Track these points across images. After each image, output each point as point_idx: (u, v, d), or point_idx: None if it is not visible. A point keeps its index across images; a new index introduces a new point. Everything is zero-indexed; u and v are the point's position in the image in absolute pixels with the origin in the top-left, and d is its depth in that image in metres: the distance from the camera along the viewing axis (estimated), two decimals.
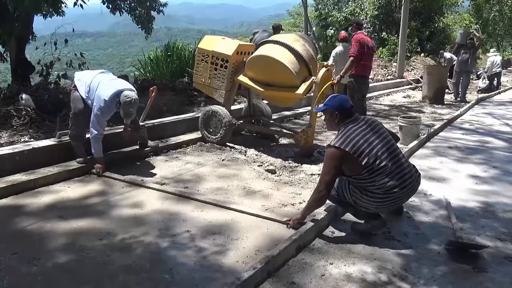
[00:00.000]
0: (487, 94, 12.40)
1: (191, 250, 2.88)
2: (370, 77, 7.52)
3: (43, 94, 6.09)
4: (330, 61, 8.10)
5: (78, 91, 4.59)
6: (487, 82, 13.50)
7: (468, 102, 10.44)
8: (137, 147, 5.11)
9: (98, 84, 4.45)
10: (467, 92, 11.31)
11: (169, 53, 9.77)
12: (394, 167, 2.97)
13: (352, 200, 3.11)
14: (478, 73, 16.71)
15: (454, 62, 14.90)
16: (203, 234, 3.11)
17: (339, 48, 8.24)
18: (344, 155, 2.95)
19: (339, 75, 6.38)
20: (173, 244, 2.96)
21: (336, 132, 3.16)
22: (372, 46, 6.64)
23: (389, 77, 14.25)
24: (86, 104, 4.54)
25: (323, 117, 7.22)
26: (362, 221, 3.23)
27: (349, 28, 7.19)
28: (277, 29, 9.09)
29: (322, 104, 3.34)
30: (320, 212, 3.30)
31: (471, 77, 11.97)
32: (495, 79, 13.60)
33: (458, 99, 10.83)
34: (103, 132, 4.45)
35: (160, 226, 3.24)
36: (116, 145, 5.00)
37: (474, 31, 11.83)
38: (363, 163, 2.93)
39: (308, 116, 6.14)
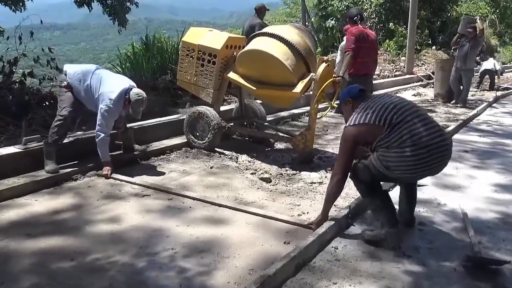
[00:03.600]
0: (506, 92, 12.51)
1: (175, 271, 2.87)
2: (376, 72, 7.20)
3: (7, 95, 6.05)
4: (338, 56, 8.31)
5: (72, 91, 4.65)
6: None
7: (467, 107, 9.76)
8: (121, 151, 5.10)
9: (100, 82, 4.59)
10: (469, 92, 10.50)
11: (149, 48, 9.75)
12: (417, 119, 3.06)
13: (383, 167, 3.07)
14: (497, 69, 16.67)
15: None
16: (189, 252, 3.11)
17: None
18: (362, 128, 3.12)
19: (340, 75, 6.08)
20: (155, 264, 2.95)
21: None
22: (373, 38, 6.47)
23: (397, 73, 14.35)
24: (79, 106, 4.69)
25: (323, 118, 7.24)
26: (373, 230, 3.32)
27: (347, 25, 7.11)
28: (259, 11, 8.86)
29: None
30: (322, 225, 3.31)
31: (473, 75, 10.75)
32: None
33: (459, 104, 9.92)
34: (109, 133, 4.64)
35: (140, 244, 3.22)
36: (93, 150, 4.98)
37: (477, 18, 10.68)
38: (381, 124, 3.06)
39: (307, 118, 6.15)
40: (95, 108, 4.65)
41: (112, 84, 4.60)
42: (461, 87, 10.12)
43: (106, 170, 4.63)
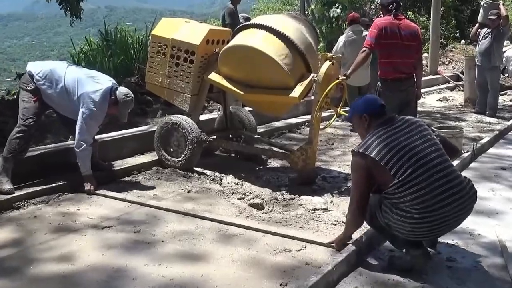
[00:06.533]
0: None
1: None
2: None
3: None
4: (335, 51, 8.25)
5: (41, 97, 4.81)
6: None
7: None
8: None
9: (77, 81, 4.80)
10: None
11: (109, 43, 9.78)
12: (434, 178, 3.18)
13: (384, 222, 3.34)
14: None
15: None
16: None
17: (346, 34, 8.42)
18: (370, 163, 3.25)
19: (344, 74, 5.62)
20: None
21: None
22: (409, 33, 5.91)
23: None
24: (41, 116, 4.98)
25: (328, 130, 7.26)
26: (401, 257, 3.46)
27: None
28: None
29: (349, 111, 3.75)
30: (328, 263, 3.32)
31: (500, 75, 10.47)
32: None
33: (488, 113, 9.71)
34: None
35: None
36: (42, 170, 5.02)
37: (500, 2, 9.93)
38: (392, 173, 3.18)
39: (308, 129, 6.17)
40: (73, 114, 4.85)
41: (93, 83, 4.82)
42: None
43: (89, 185, 4.85)
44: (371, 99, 3.66)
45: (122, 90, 4.90)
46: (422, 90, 12.57)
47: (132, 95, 4.96)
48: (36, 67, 4.91)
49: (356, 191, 3.41)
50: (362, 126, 3.56)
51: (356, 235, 3.68)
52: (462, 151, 6.30)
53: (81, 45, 10.73)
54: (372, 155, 3.24)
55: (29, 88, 4.82)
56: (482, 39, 9.70)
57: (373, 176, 3.33)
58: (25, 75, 4.93)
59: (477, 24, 10.26)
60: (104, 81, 4.94)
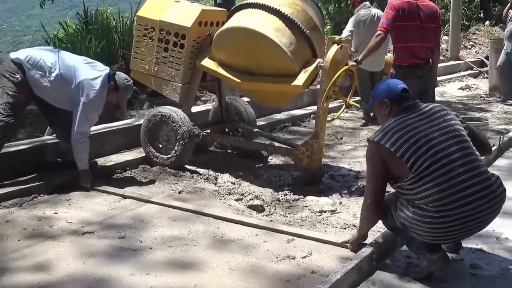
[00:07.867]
0: None
1: None
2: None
3: None
4: (344, 35, 8.20)
5: (30, 90, 4.87)
6: None
7: None
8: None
9: (74, 68, 4.91)
10: None
11: (89, 27, 9.77)
12: (454, 173, 3.19)
13: (400, 222, 3.37)
14: None
15: None
16: None
17: (359, 15, 8.38)
18: (385, 153, 3.30)
19: (354, 60, 5.79)
20: None
21: None
22: (429, 14, 5.92)
23: None
24: (21, 112, 5.06)
25: (336, 122, 7.24)
26: (417, 265, 3.46)
27: None
28: None
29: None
30: (336, 271, 3.31)
31: None
32: None
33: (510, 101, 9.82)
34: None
35: None
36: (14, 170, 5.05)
37: None
38: (408, 166, 3.20)
39: (313, 121, 6.17)
40: (69, 105, 4.94)
41: (91, 70, 4.95)
42: None
43: (86, 182, 4.99)
44: (393, 83, 3.68)
45: (121, 75, 5.10)
46: (442, 78, 12.66)
47: (131, 80, 5.12)
48: (24, 54, 4.90)
49: (372, 183, 3.47)
50: (383, 112, 3.61)
51: (369, 239, 3.70)
52: None
53: (57, 29, 10.71)
54: (387, 146, 3.28)
55: (15, 79, 4.79)
56: (510, 20, 9.67)
57: (389, 168, 3.37)
58: (8, 64, 4.90)
59: (509, 4, 10.16)
60: (101, 67, 5.08)
